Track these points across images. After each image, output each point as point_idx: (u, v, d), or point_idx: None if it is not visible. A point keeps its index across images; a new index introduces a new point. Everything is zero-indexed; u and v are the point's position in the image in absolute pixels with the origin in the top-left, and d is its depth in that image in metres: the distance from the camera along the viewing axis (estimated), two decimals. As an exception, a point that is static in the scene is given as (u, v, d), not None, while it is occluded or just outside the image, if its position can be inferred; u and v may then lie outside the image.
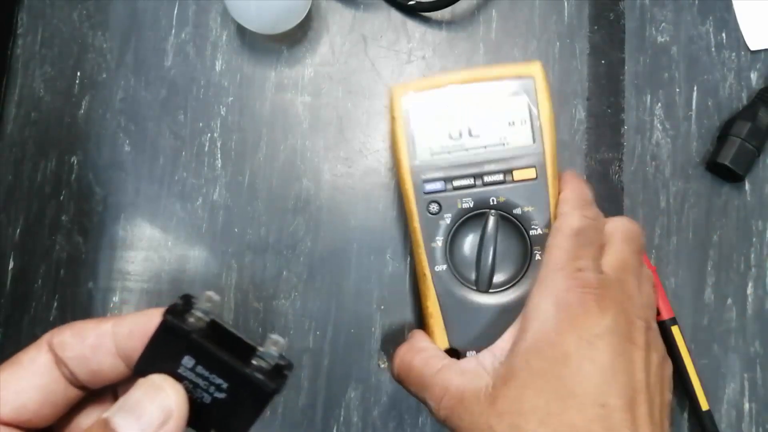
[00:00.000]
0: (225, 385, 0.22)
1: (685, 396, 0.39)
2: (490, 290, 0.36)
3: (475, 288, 0.36)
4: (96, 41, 0.43)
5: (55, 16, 0.43)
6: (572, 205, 0.34)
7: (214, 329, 0.23)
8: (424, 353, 0.34)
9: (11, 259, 0.41)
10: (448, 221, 0.36)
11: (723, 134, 0.42)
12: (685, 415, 0.40)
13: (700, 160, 0.42)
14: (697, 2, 0.44)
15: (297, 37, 0.43)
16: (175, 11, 0.43)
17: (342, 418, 0.40)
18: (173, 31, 0.43)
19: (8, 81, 0.43)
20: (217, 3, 0.43)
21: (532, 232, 0.35)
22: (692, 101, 0.43)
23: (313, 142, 0.42)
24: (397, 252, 0.41)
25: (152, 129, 0.42)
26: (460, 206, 0.36)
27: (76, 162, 0.42)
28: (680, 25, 0.43)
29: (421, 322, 0.39)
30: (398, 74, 0.43)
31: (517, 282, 0.36)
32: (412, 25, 0.43)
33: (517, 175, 0.36)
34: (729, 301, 0.41)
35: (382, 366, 0.41)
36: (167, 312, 0.23)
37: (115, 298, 0.41)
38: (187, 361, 0.22)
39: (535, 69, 0.36)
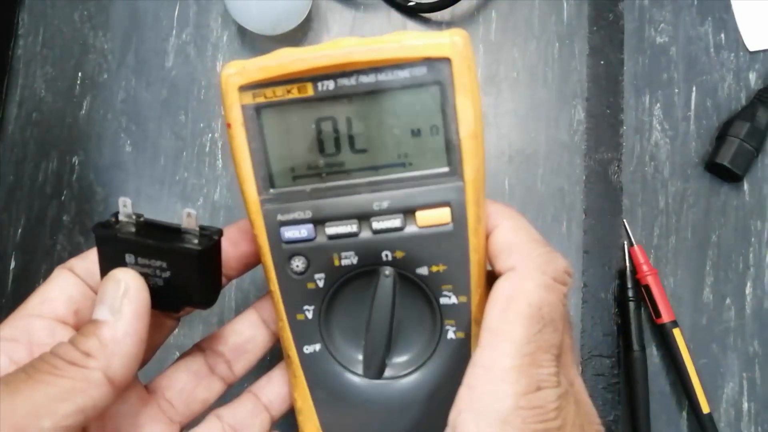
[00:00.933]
0: (165, 265, 0.25)
1: (684, 397, 0.40)
2: (383, 377, 0.26)
3: (361, 374, 0.26)
4: (97, 42, 0.43)
5: (56, 16, 0.43)
6: (524, 257, 0.23)
7: (148, 226, 0.25)
8: None
9: (13, 259, 0.41)
10: (320, 284, 0.25)
11: (722, 134, 0.42)
12: (684, 414, 0.40)
13: (699, 161, 0.42)
14: (696, 3, 0.44)
15: (297, 37, 0.43)
16: (176, 12, 0.43)
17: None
18: (174, 31, 0.43)
19: (9, 81, 0.43)
20: (217, 4, 0.43)
21: (443, 301, 0.25)
22: (691, 102, 0.43)
23: (314, 142, 0.42)
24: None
25: (153, 129, 0.42)
26: (337, 263, 0.25)
27: (77, 162, 0.42)
28: (679, 26, 0.44)
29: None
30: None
31: (420, 366, 0.26)
32: (412, 26, 0.43)
33: (423, 218, 0.24)
34: (728, 300, 0.41)
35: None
36: (95, 227, 0.25)
37: (116, 298, 0.41)
38: (129, 258, 0.25)
39: (454, 46, 0.23)
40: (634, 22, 0.43)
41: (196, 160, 0.42)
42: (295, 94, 0.24)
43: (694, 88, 0.43)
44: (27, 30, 0.43)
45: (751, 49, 0.43)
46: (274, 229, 0.25)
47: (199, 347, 0.30)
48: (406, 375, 0.26)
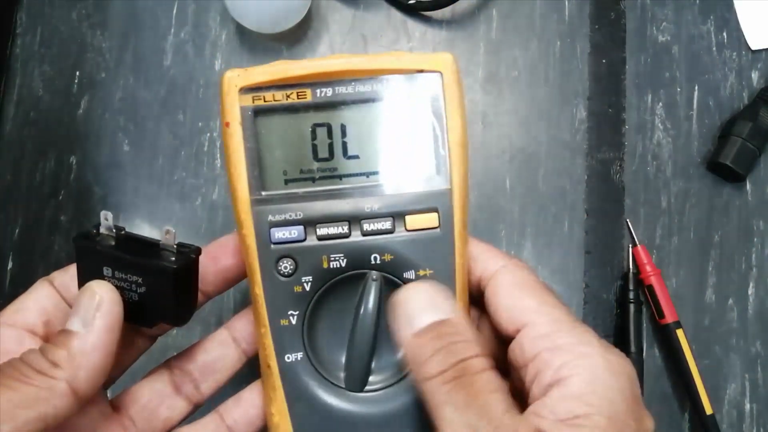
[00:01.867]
0: (141, 280, 0.25)
1: (687, 398, 0.39)
2: (366, 390, 0.26)
3: (343, 386, 0.26)
4: (95, 41, 0.43)
5: (54, 15, 0.43)
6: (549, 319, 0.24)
7: (128, 240, 0.26)
8: None
9: (10, 260, 0.41)
10: (307, 287, 0.25)
11: (724, 134, 0.41)
12: (686, 416, 0.40)
13: (701, 160, 0.42)
14: (698, 1, 0.44)
15: (297, 36, 0.43)
16: (175, 10, 0.43)
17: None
18: (172, 30, 0.43)
19: (7, 80, 0.42)
20: (216, 2, 0.43)
21: None
22: (693, 101, 0.43)
23: (313, 141, 0.42)
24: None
25: (151, 129, 0.42)
26: (326, 265, 0.25)
27: (75, 162, 0.42)
28: (681, 25, 0.43)
29: None
30: (398, 74, 0.43)
31: (403, 379, 0.26)
32: (412, 25, 0.43)
33: (412, 222, 0.25)
34: (730, 301, 0.41)
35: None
36: (75, 237, 0.25)
37: (115, 299, 0.41)
38: (106, 270, 0.25)
39: (444, 61, 0.26)
40: (636, 21, 0.43)
41: (194, 159, 0.42)
42: (293, 99, 0.25)
43: (696, 87, 0.43)
44: (25, 29, 0.43)
45: (754, 48, 0.43)
46: (263, 231, 0.25)
47: (167, 365, 0.29)
48: (388, 387, 0.26)
